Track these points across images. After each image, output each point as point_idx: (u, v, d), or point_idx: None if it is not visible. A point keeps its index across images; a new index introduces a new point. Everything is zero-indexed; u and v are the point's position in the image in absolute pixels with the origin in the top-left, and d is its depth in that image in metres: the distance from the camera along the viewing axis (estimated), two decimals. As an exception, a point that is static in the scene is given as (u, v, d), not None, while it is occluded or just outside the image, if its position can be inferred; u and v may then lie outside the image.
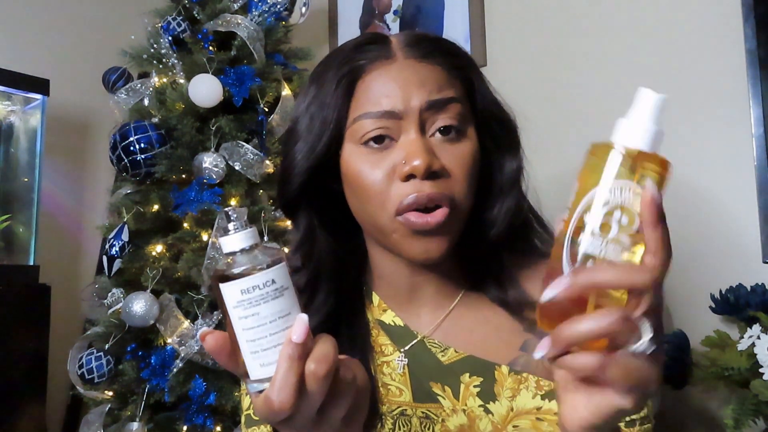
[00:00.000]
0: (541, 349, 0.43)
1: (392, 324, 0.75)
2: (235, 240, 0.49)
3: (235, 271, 0.48)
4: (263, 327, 0.48)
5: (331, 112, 0.67)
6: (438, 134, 0.65)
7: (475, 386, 0.70)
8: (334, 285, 0.73)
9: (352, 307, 0.76)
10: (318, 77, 0.71)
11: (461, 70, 0.70)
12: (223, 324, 0.51)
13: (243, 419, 0.77)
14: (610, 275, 0.42)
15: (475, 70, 0.72)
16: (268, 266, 0.48)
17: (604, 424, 0.44)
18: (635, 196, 0.43)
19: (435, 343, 0.72)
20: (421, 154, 0.62)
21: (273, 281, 0.48)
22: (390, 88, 0.65)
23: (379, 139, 0.65)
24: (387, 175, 0.65)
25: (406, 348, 0.73)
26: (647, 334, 0.41)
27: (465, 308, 0.74)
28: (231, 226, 0.50)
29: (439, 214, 0.63)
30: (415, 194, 0.63)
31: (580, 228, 0.44)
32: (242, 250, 0.49)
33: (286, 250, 0.54)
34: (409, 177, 0.63)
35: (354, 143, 0.67)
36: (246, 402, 0.78)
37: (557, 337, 0.42)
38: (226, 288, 0.48)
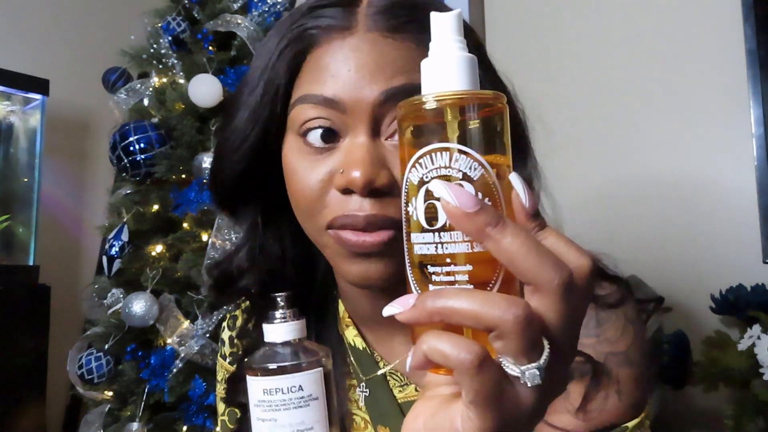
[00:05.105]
0: (400, 305, 0.32)
1: (353, 344, 0.64)
2: (276, 330, 0.46)
3: (261, 365, 0.44)
4: None
5: (269, 91, 0.54)
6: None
7: None
8: (292, 290, 0.63)
9: (322, 316, 0.66)
10: (266, 41, 0.56)
11: None
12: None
13: (219, 424, 0.73)
14: (460, 305, 0.30)
15: (472, 46, 0.53)
16: (298, 369, 0.44)
17: None
18: (465, 157, 0.32)
19: (397, 377, 0.62)
20: (362, 164, 0.48)
21: (300, 387, 0.44)
22: (338, 69, 0.50)
23: (324, 136, 0.51)
24: (323, 182, 0.51)
25: (368, 378, 0.63)
26: (537, 360, 0.30)
27: None
28: (278, 313, 0.46)
29: (380, 235, 0.49)
30: (350, 214, 0.49)
31: (409, 222, 0.33)
32: (284, 343, 0.45)
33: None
34: (346, 190, 0.50)
35: (295, 133, 0.53)
36: (221, 408, 0.73)
37: (423, 300, 0.31)
38: (250, 382, 0.45)
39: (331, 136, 0.51)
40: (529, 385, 0.30)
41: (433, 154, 0.32)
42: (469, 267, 0.31)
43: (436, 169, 0.32)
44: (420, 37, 0.50)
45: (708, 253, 1.39)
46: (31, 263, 1.92)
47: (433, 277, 0.32)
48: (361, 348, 0.64)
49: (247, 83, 0.56)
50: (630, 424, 0.53)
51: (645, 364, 0.55)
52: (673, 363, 1.28)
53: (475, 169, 0.32)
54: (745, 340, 1.13)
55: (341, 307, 0.66)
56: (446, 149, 0.32)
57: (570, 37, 1.64)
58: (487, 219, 0.30)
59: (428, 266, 0.32)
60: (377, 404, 0.62)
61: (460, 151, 0.32)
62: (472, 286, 0.31)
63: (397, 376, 0.62)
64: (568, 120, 1.60)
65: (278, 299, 0.47)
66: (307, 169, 0.52)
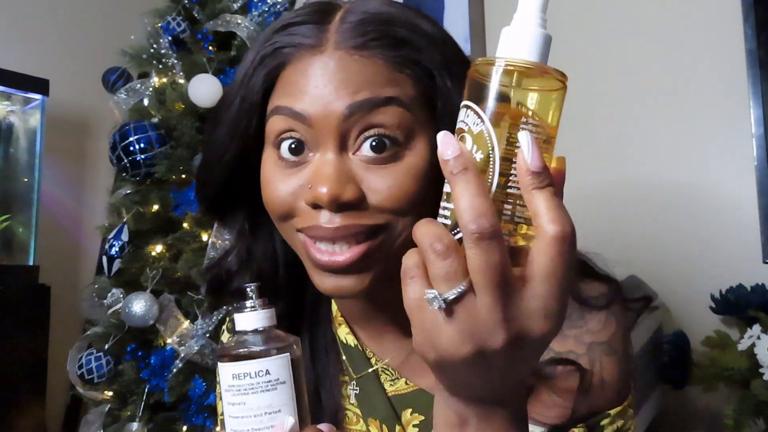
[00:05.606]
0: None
1: (345, 342, 0.66)
2: (246, 319, 0.47)
3: (231, 352, 0.46)
4: (246, 420, 0.46)
5: (245, 106, 0.56)
6: (368, 149, 0.51)
7: (414, 425, 0.61)
8: (284, 292, 0.64)
9: (316, 315, 0.68)
10: (246, 55, 0.58)
11: (417, 65, 0.53)
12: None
13: (219, 424, 0.73)
14: (415, 229, 0.36)
15: (440, 62, 0.54)
16: (265, 354, 0.46)
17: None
18: (473, 114, 0.36)
19: (389, 372, 0.64)
20: (329, 180, 0.49)
21: (267, 372, 0.45)
22: (307, 85, 0.52)
23: (293, 148, 0.53)
24: (293, 194, 0.53)
25: (359, 376, 0.65)
26: (446, 289, 0.34)
27: None
28: (248, 303, 0.48)
29: (352, 252, 0.51)
30: (320, 226, 0.51)
31: None
32: (254, 331, 0.47)
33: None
34: (315, 206, 0.51)
35: (270, 145, 0.55)
36: (220, 407, 0.74)
37: (417, 224, 0.37)
38: (221, 368, 0.47)
39: (300, 148, 0.53)
40: (428, 307, 0.35)
41: (462, 109, 0.37)
42: (452, 205, 0.36)
43: (458, 121, 0.37)
44: (387, 53, 0.52)
45: (708, 253, 1.39)
46: (31, 263, 1.92)
47: (439, 210, 0.38)
48: (352, 345, 0.66)
49: (226, 97, 0.58)
50: (612, 411, 0.54)
51: (628, 353, 0.57)
52: (673, 363, 1.28)
53: (476, 125, 0.36)
54: (745, 340, 1.13)
55: (334, 306, 0.68)
56: (466, 106, 0.37)
57: (569, 37, 1.64)
58: (452, 166, 0.35)
59: (441, 200, 0.38)
60: (367, 399, 0.64)
61: (471, 108, 0.36)
62: (450, 221, 0.37)
63: (389, 371, 0.64)
64: (568, 119, 1.60)
65: (248, 290, 0.49)
66: (279, 181, 0.54)
